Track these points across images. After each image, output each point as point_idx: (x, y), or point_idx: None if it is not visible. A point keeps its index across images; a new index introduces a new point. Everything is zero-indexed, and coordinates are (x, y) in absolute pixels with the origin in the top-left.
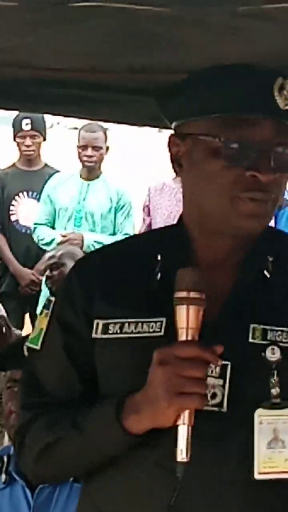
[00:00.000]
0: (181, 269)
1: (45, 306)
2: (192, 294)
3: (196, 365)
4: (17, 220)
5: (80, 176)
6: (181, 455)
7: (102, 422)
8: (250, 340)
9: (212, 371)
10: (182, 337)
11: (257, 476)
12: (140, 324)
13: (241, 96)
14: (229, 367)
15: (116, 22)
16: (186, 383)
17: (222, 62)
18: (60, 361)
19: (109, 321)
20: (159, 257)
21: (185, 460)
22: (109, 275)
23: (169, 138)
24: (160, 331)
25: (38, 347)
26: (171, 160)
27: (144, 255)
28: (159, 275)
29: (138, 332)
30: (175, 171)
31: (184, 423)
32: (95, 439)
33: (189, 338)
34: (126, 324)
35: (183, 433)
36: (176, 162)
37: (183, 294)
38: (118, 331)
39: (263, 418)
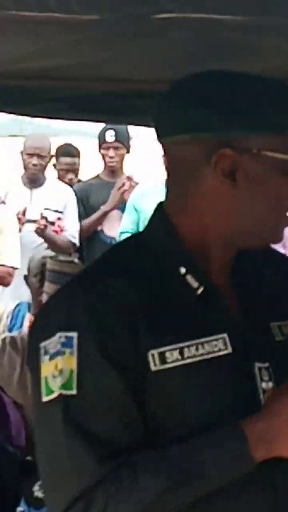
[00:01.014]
0: None
1: (63, 345)
2: None
3: None
4: (102, 230)
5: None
6: None
7: (229, 458)
8: (276, 338)
9: (262, 375)
10: None
11: None
12: (200, 345)
13: None
14: (270, 369)
15: (196, 32)
16: None
17: None
18: (120, 403)
19: (164, 348)
20: (182, 270)
21: None
22: (143, 297)
23: (221, 151)
24: (227, 348)
25: (74, 392)
26: (222, 174)
27: (162, 269)
28: (199, 290)
29: (202, 354)
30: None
31: None
32: (218, 478)
33: None
34: (186, 349)
35: None
36: (228, 176)
37: None
38: (180, 358)
39: None
